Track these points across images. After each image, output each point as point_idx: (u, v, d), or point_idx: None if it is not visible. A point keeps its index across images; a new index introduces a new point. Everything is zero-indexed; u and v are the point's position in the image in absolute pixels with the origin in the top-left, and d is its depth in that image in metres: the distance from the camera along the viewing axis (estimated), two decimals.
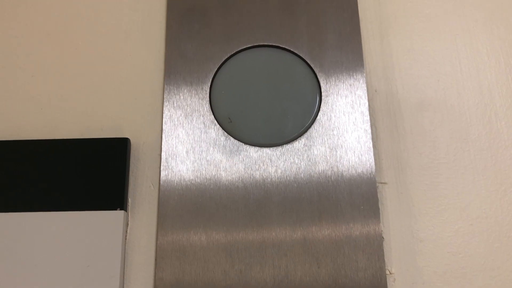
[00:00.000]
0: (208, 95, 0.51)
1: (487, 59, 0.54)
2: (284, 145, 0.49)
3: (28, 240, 0.46)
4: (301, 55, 0.52)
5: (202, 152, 0.49)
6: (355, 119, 0.50)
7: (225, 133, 0.49)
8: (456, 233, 0.48)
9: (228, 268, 0.45)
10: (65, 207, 0.46)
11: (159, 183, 0.48)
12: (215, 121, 0.50)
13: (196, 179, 0.48)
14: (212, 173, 0.48)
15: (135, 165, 0.50)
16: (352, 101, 0.51)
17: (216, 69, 0.52)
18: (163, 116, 0.50)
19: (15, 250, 0.45)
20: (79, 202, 0.47)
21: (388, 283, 0.46)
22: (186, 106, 0.50)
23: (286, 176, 0.48)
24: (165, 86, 0.51)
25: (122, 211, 0.47)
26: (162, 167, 0.48)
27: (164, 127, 0.50)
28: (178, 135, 0.49)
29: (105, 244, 0.46)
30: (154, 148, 0.50)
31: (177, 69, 0.52)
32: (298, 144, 0.49)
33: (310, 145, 0.49)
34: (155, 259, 0.46)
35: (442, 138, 0.51)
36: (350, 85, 0.51)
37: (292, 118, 0.50)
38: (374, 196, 0.47)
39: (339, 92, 0.51)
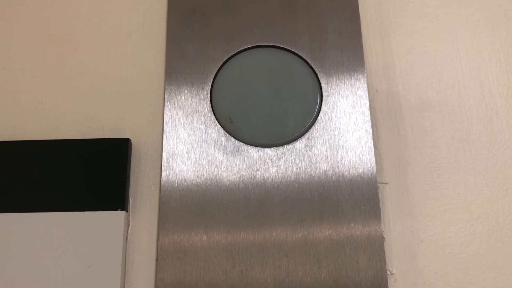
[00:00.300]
0: (209, 95, 0.51)
1: (488, 59, 0.54)
2: (285, 145, 0.49)
3: (29, 241, 0.46)
4: (301, 55, 0.52)
5: (203, 153, 0.49)
6: (356, 119, 0.50)
7: (226, 133, 0.49)
8: (457, 234, 0.48)
9: (229, 269, 0.45)
10: (66, 208, 0.47)
11: (160, 183, 0.48)
12: (216, 122, 0.50)
13: (197, 179, 0.48)
14: (213, 174, 0.48)
15: (136, 166, 0.50)
16: (353, 101, 0.50)
17: (217, 70, 0.52)
18: (164, 116, 0.50)
19: (16, 250, 0.45)
20: (80, 202, 0.47)
21: (389, 284, 0.46)
22: (187, 107, 0.50)
23: (287, 177, 0.48)
24: (166, 86, 0.51)
25: (123, 212, 0.47)
26: (163, 168, 0.48)
27: (165, 127, 0.50)
28: (179, 135, 0.49)
29: (106, 245, 0.46)
30: (155, 148, 0.50)
31: (178, 69, 0.52)
32: (299, 144, 0.49)
33: (311, 146, 0.49)
34: (156, 260, 0.46)
35: (443, 138, 0.51)
36: (351, 85, 0.51)
37: (293, 118, 0.50)
38: (375, 197, 0.47)
39: (340, 92, 0.51)
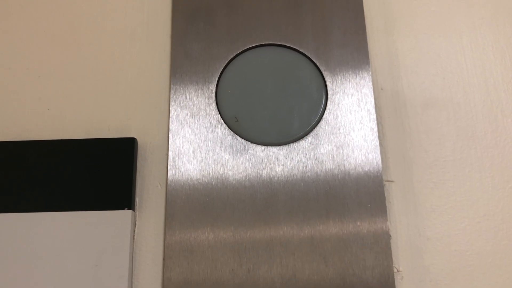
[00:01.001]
0: (214, 94, 0.51)
1: (493, 57, 0.54)
2: (291, 144, 0.49)
3: (36, 240, 0.46)
4: (306, 53, 0.52)
5: (209, 152, 0.49)
6: (362, 117, 0.50)
7: (232, 132, 0.49)
8: (463, 231, 0.48)
9: (236, 267, 0.45)
10: (73, 207, 0.47)
11: (166, 182, 0.48)
12: (222, 121, 0.50)
13: (203, 178, 0.48)
14: (219, 172, 0.48)
15: (142, 165, 0.50)
16: (358, 100, 0.51)
17: (222, 69, 0.52)
18: (170, 115, 0.50)
19: (23, 250, 0.45)
20: (87, 202, 0.47)
21: (395, 281, 0.46)
22: (192, 106, 0.50)
23: (293, 175, 0.48)
24: (171, 85, 0.51)
25: (130, 211, 0.47)
26: (169, 167, 0.48)
27: (170, 126, 0.50)
28: (185, 134, 0.49)
29: (113, 244, 0.46)
30: (161, 147, 0.51)
31: (183, 68, 0.52)
32: (305, 142, 0.49)
33: (317, 144, 0.49)
34: (163, 259, 0.46)
35: (449, 136, 0.51)
36: (356, 83, 0.51)
37: (299, 117, 0.50)
38: (381, 194, 0.47)
39: (345, 91, 0.51)
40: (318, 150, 0.49)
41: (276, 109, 0.50)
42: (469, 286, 0.46)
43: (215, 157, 0.49)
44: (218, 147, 0.49)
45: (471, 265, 0.47)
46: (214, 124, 0.50)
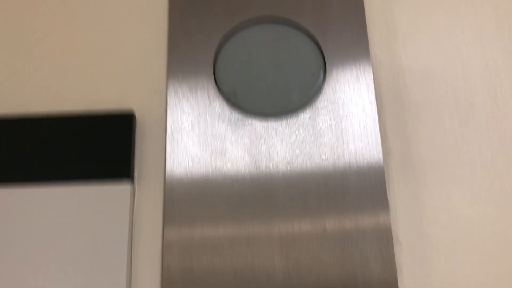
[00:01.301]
0: (212, 68, 0.51)
1: (491, 28, 0.54)
2: (290, 117, 0.49)
3: (35, 214, 0.46)
4: (305, 28, 0.52)
5: (207, 126, 0.49)
6: (360, 90, 0.50)
7: (230, 106, 0.49)
8: (463, 200, 0.48)
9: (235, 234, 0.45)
10: (72, 181, 0.47)
11: (165, 156, 0.48)
12: (219, 95, 0.50)
13: (201, 152, 0.48)
14: (217, 146, 0.48)
15: (141, 139, 0.50)
16: (357, 73, 0.50)
17: (219, 43, 0.51)
18: (168, 90, 0.50)
19: (21, 224, 0.45)
20: (87, 175, 0.47)
21: (395, 252, 0.45)
22: (190, 80, 0.50)
23: (292, 148, 0.48)
24: (169, 60, 0.51)
25: (129, 185, 0.47)
26: (167, 141, 0.48)
27: (169, 101, 0.49)
28: (183, 109, 0.49)
29: (113, 217, 0.46)
30: (159, 122, 0.50)
31: (180, 43, 0.52)
32: (303, 116, 0.49)
33: (315, 117, 0.49)
34: (162, 232, 0.46)
35: (447, 108, 0.51)
36: (355, 56, 0.51)
37: (297, 90, 0.50)
38: (380, 165, 0.47)
39: (344, 64, 0.51)
40: (317, 123, 0.49)
41: (275, 83, 0.50)
42: (469, 254, 0.46)
43: (213, 131, 0.49)
44: (216, 121, 0.49)
45: (471, 234, 0.47)
46: (212, 98, 0.50)
